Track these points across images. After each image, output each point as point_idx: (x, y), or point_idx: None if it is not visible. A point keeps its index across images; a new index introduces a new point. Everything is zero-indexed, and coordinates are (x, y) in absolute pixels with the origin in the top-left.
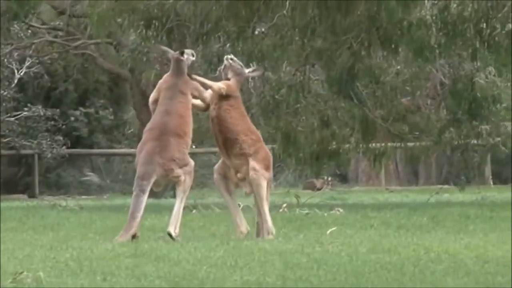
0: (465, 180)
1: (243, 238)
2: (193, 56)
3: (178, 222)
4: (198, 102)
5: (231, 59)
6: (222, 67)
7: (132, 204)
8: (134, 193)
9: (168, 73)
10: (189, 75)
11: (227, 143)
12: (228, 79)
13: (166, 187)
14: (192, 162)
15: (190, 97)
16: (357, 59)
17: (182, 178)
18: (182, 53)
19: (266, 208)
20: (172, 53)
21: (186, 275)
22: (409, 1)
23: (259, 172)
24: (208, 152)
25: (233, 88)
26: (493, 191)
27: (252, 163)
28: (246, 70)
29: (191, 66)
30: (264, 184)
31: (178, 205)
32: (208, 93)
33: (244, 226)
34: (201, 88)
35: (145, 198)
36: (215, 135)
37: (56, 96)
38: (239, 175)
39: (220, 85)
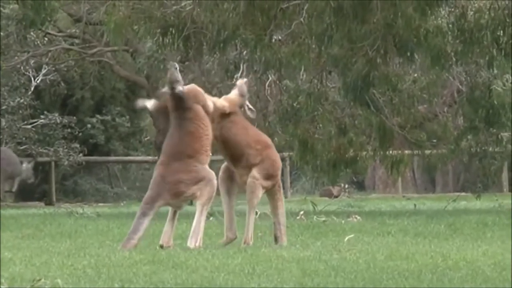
0: (481, 188)
1: (225, 243)
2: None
3: (200, 235)
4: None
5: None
6: (239, 75)
7: (133, 224)
8: (137, 214)
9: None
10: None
11: (234, 158)
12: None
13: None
14: (209, 173)
15: (195, 107)
16: (373, 67)
17: (198, 193)
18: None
19: (252, 217)
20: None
21: (203, 283)
22: (426, 8)
23: (258, 181)
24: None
25: (235, 103)
26: (510, 198)
27: (254, 171)
28: (246, 102)
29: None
30: (258, 193)
31: (197, 217)
32: (210, 101)
33: (233, 231)
34: (202, 97)
35: (145, 221)
36: (221, 152)
37: (73, 103)
38: (244, 177)
39: (223, 103)
